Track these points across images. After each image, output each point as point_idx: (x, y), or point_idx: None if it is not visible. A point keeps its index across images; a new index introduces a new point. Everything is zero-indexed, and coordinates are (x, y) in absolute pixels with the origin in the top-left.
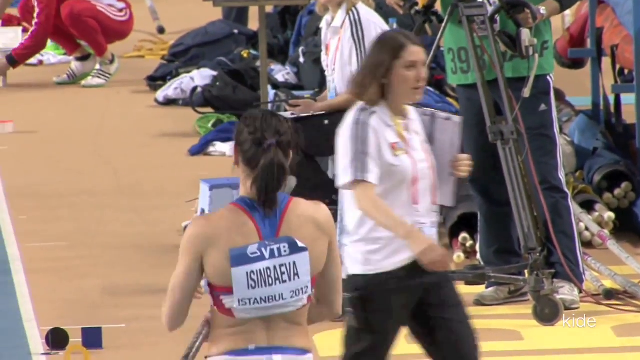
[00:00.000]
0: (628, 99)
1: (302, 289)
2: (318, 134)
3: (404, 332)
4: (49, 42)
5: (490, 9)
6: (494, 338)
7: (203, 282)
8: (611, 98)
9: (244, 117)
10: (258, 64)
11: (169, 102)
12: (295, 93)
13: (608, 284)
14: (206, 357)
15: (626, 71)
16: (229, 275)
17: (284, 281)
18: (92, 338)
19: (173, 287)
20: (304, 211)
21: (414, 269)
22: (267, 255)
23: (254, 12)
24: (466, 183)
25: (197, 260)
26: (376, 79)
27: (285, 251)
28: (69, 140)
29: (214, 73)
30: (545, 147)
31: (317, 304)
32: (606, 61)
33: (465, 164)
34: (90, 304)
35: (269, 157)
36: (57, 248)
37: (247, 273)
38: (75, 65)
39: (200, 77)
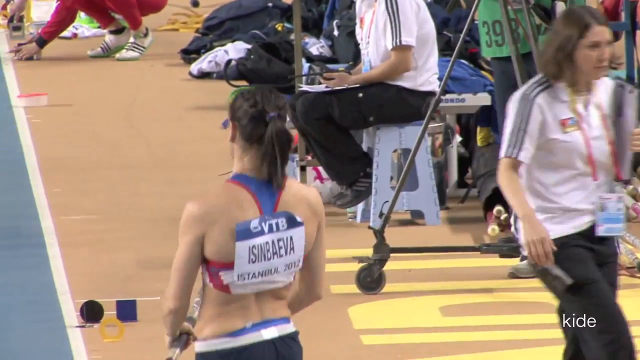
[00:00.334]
0: None
1: (294, 263)
2: (352, 107)
3: (440, 304)
4: (83, 15)
5: None
6: (528, 311)
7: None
8: None
9: (240, 93)
10: (292, 37)
11: (203, 75)
12: (330, 66)
13: None
14: (197, 339)
15: None
16: (231, 251)
17: (281, 255)
18: (127, 310)
19: (177, 268)
20: (297, 191)
21: (588, 235)
22: (266, 229)
23: None
24: None
25: (199, 240)
26: (564, 55)
27: (283, 226)
28: (103, 114)
29: (248, 46)
30: None
31: (297, 291)
32: None
33: (638, 138)
34: (125, 277)
35: (275, 128)
36: (91, 221)
37: (249, 248)
38: (109, 38)
39: (234, 50)
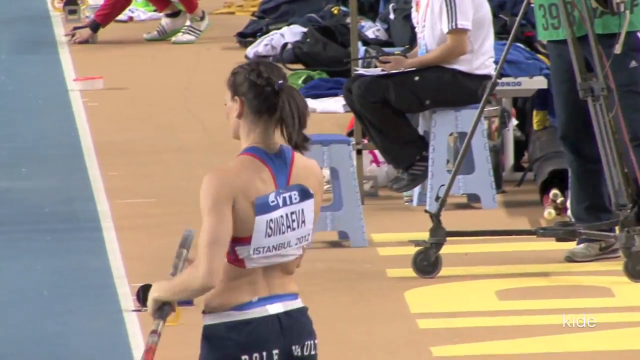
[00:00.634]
0: None
1: (305, 236)
2: (408, 91)
3: (497, 288)
4: None
5: None
6: (585, 294)
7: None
8: None
9: (240, 68)
10: (348, 20)
11: (259, 58)
12: (386, 50)
13: None
14: (204, 312)
15: None
16: (251, 225)
17: (294, 229)
18: None
19: (210, 242)
20: (305, 164)
21: None
22: (280, 203)
23: None
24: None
25: (230, 209)
26: None
27: (295, 199)
28: (159, 97)
29: (304, 30)
30: (636, 104)
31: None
32: None
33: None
34: None
35: (289, 93)
36: (147, 205)
37: (266, 221)
38: (165, 21)
39: (290, 33)
